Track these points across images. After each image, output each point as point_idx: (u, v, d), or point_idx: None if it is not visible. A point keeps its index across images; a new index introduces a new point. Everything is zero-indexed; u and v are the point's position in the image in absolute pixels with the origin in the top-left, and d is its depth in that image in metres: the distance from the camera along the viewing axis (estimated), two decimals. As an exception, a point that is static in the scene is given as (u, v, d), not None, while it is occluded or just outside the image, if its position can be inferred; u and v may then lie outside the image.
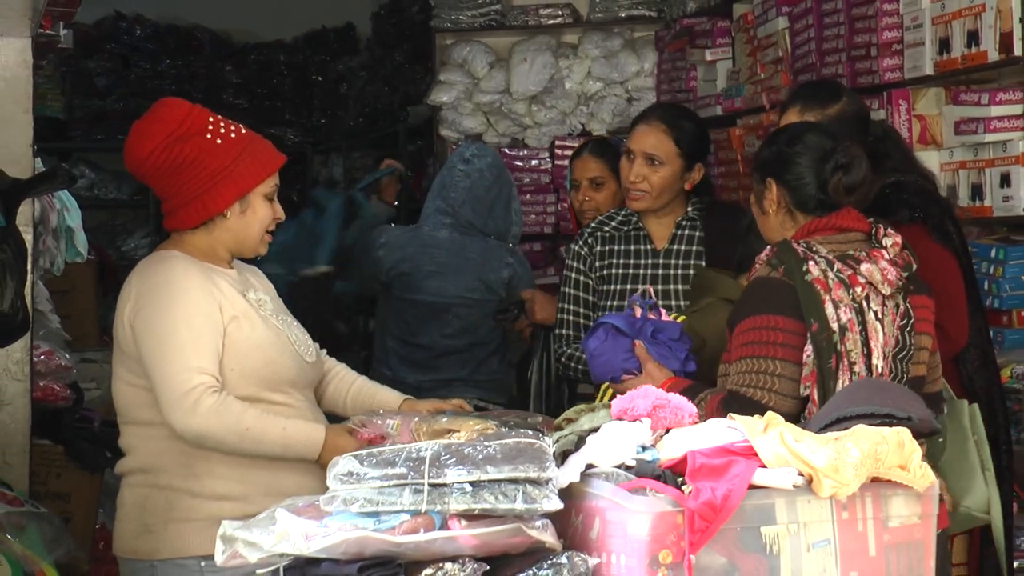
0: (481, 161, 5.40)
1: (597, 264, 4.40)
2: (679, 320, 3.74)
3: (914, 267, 3.30)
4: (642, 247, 4.38)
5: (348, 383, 3.73)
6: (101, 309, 7.13)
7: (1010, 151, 4.65)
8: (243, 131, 3.48)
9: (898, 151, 4.02)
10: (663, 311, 3.62)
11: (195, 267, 3.43)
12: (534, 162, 7.65)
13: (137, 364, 3.39)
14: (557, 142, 7.51)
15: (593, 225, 4.49)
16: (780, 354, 3.15)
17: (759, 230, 3.48)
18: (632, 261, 4.35)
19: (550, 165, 7.55)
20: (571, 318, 4.38)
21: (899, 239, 3.31)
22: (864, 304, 3.20)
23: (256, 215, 3.47)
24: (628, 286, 4.30)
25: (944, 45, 4.88)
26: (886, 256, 3.26)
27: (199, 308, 3.35)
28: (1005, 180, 4.64)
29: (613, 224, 4.44)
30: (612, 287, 4.34)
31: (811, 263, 3.19)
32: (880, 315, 3.22)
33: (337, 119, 10.59)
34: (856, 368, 3.16)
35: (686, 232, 4.37)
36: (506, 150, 7.61)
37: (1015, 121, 4.63)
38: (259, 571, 2.45)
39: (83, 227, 5.22)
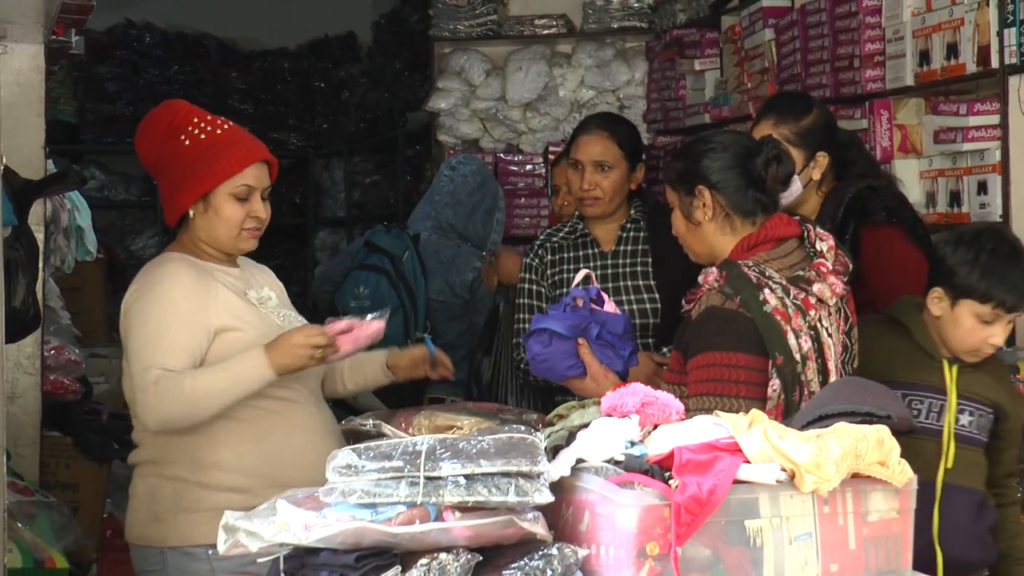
0: (466, 168, 5.43)
1: (548, 272, 4.44)
2: None
3: (851, 268, 3.21)
4: (590, 251, 4.43)
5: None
6: (110, 306, 7.12)
7: (987, 160, 4.65)
8: (219, 132, 3.44)
9: (863, 158, 4.04)
10: (605, 297, 3.47)
11: (190, 270, 3.42)
12: (528, 167, 7.65)
13: None
14: (551, 148, 7.50)
15: (542, 238, 4.54)
16: (743, 392, 3.02)
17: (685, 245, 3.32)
18: (581, 265, 4.35)
19: (544, 170, 7.54)
20: (526, 327, 4.38)
21: (832, 241, 3.20)
22: (818, 325, 3.10)
23: (220, 215, 3.43)
24: None
25: (924, 57, 4.88)
26: (829, 267, 3.14)
27: (175, 308, 3.34)
28: (982, 188, 4.64)
29: (561, 235, 4.48)
30: (564, 291, 4.33)
31: (767, 291, 3.05)
32: (830, 330, 3.13)
33: (339, 124, 10.58)
34: (816, 391, 3.04)
35: (631, 234, 4.41)
36: (501, 155, 7.61)
37: (992, 131, 4.63)
38: (260, 560, 2.45)
39: (93, 227, 5.22)
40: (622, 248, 4.42)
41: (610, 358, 3.38)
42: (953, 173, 4.80)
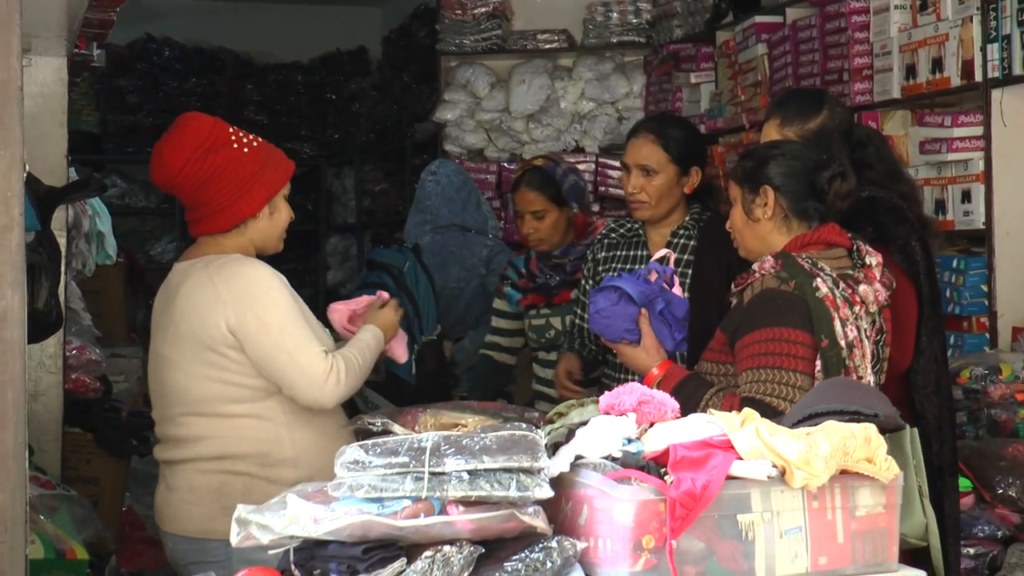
0: (446, 169, 5.62)
1: (599, 269, 4.28)
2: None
3: (894, 285, 3.23)
4: (639, 252, 4.20)
5: None
6: (129, 308, 7.11)
7: (971, 169, 4.65)
8: (259, 140, 3.50)
9: (881, 161, 3.65)
10: (676, 280, 3.42)
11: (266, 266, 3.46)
12: (531, 176, 7.63)
13: (229, 361, 3.34)
14: (551, 158, 7.50)
15: (604, 231, 4.35)
16: (800, 367, 3.04)
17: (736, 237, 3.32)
18: (627, 266, 4.18)
19: (546, 179, 7.53)
20: (578, 321, 4.34)
21: (880, 258, 3.22)
22: (859, 323, 3.12)
23: (280, 215, 3.50)
24: None
25: (911, 71, 4.88)
26: (877, 276, 3.19)
27: (292, 300, 3.37)
28: (966, 196, 4.64)
29: (621, 232, 4.28)
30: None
31: (819, 280, 3.10)
32: (867, 333, 3.15)
33: (349, 135, 10.59)
34: (864, 382, 3.06)
35: (681, 240, 4.13)
36: (505, 164, 7.61)
37: (975, 142, 4.64)
38: (271, 552, 2.44)
39: (113, 232, 5.21)
40: None
41: (664, 336, 3.36)
42: (938, 182, 4.79)
